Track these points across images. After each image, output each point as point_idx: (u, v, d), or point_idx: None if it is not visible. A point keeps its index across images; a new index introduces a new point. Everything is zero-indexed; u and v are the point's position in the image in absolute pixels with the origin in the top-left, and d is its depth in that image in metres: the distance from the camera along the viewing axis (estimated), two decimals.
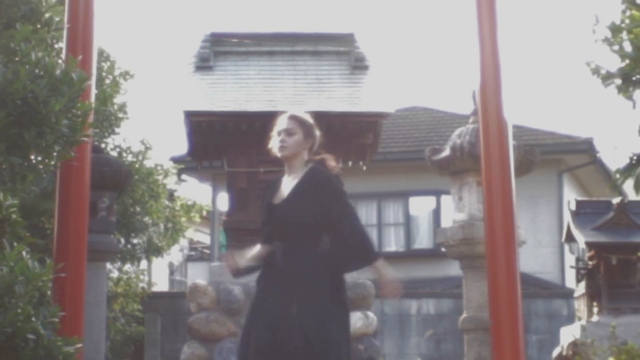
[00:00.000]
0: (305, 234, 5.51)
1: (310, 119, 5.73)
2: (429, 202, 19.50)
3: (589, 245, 10.60)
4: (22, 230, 5.15)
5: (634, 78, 5.96)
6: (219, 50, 10.97)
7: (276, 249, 5.51)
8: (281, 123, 5.65)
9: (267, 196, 5.67)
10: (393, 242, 19.66)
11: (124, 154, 13.19)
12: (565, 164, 19.52)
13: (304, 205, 5.48)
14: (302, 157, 5.65)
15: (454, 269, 12.67)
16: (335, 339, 5.36)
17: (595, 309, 10.47)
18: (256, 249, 5.62)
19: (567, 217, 11.47)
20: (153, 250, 13.80)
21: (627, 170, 6.27)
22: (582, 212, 11.01)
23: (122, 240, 13.11)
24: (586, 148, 19.21)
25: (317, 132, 5.74)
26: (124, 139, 13.38)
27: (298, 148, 5.64)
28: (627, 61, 5.92)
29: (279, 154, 5.65)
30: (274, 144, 5.64)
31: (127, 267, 14.01)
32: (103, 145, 12.13)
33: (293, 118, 5.69)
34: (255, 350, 5.34)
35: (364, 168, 11.29)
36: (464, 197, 9.54)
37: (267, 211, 5.60)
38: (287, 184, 5.61)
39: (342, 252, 5.49)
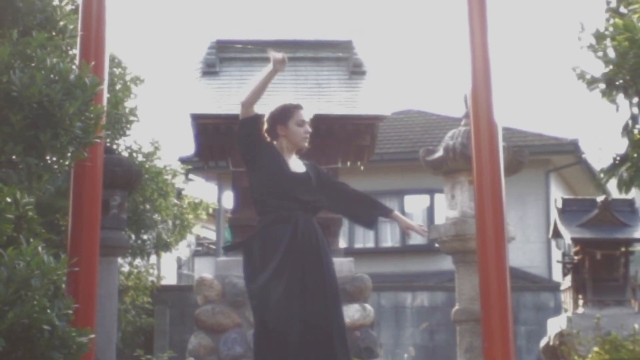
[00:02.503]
0: (317, 210, 5.58)
1: None
2: (423, 200, 19.49)
3: (575, 241, 10.60)
4: (38, 227, 5.15)
5: (617, 83, 5.95)
6: (224, 56, 10.97)
7: (292, 218, 5.40)
8: (305, 113, 5.59)
9: (273, 157, 5.53)
10: (389, 238, 19.65)
11: (135, 155, 13.18)
12: (552, 164, 19.50)
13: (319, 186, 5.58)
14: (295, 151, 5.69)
15: (447, 263, 12.67)
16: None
17: (580, 302, 10.46)
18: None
19: (554, 215, 11.46)
20: (162, 246, 13.80)
21: (611, 170, 6.26)
22: (568, 210, 11.01)
23: (133, 236, 13.10)
24: (572, 149, 19.20)
25: None
26: (134, 141, 13.38)
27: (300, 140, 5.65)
28: (611, 67, 5.92)
29: (302, 143, 5.56)
30: (301, 132, 5.54)
31: (138, 261, 14.01)
32: (115, 147, 12.11)
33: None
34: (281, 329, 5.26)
35: (362, 168, 11.29)
36: (456, 196, 9.53)
37: (285, 180, 5.46)
38: (293, 162, 5.55)
39: (367, 197, 5.79)
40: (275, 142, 5.57)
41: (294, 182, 5.45)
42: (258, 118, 5.54)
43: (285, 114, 5.55)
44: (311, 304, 5.27)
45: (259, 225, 5.47)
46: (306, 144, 5.56)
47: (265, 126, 5.59)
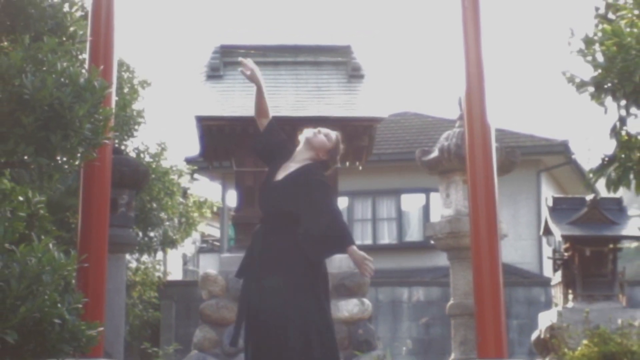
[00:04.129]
0: (287, 222, 5.34)
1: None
2: (419, 199, 19.48)
3: (565, 238, 10.59)
4: (49, 225, 5.15)
5: (605, 86, 5.95)
6: (228, 60, 10.96)
7: (259, 232, 5.41)
8: (317, 129, 5.62)
9: (274, 169, 5.56)
10: (386, 236, 19.64)
11: (142, 155, 13.17)
12: (543, 164, 19.49)
13: (293, 193, 5.34)
14: (311, 157, 5.58)
15: (442, 259, 12.68)
16: (321, 328, 5.26)
17: (570, 296, 10.45)
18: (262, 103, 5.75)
19: (545, 213, 11.45)
20: (168, 243, 13.78)
21: (600, 170, 6.25)
22: (559, 208, 11.00)
23: (140, 234, 13.09)
24: (562, 150, 19.19)
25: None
26: (141, 142, 13.37)
27: (321, 145, 5.57)
28: (600, 71, 5.91)
29: (309, 136, 5.55)
30: (308, 132, 5.58)
31: (145, 258, 14.00)
32: (123, 147, 12.11)
33: (324, 132, 5.68)
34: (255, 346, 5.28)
35: (360, 168, 11.28)
36: (451, 195, 9.52)
37: (266, 188, 5.51)
38: (286, 168, 5.54)
39: (319, 237, 5.22)
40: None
41: (269, 191, 5.48)
42: (267, 132, 5.60)
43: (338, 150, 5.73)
44: (270, 314, 5.25)
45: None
46: (314, 140, 5.59)
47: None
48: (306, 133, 5.63)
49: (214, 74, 10.81)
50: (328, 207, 5.29)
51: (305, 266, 5.28)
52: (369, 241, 19.44)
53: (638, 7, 5.95)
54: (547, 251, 13.99)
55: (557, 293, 10.87)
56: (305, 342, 5.17)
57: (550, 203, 11.16)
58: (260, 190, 5.60)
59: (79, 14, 5.69)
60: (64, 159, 5.03)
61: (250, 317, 5.32)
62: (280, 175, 5.50)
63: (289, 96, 10.53)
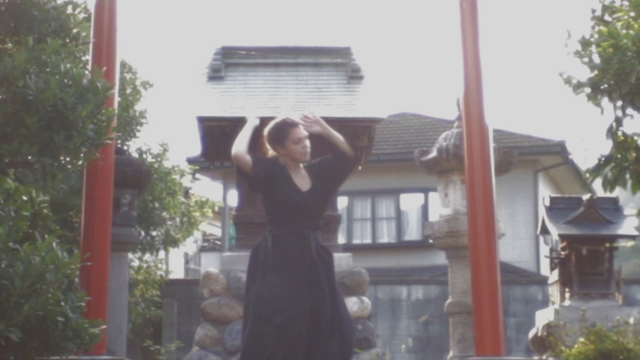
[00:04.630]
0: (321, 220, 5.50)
1: None
2: (418, 198, 19.48)
3: (562, 237, 10.59)
4: (53, 224, 5.15)
5: (602, 87, 5.95)
6: (229, 62, 10.96)
7: (298, 235, 5.36)
8: (301, 130, 5.46)
9: (281, 178, 5.44)
10: (385, 235, 19.64)
11: (144, 155, 13.18)
12: (540, 164, 19.49)
13: (324, 188, 5.48)
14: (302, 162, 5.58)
15: (440, 258, 12.69)
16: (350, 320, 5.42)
17: (567, 294, 10.46)
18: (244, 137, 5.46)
19: (542, 212, 11.45)
20: (170, 242, 13.79)
21: (596, 170, 6.26)
22: (556, 208, 11.00)
23: (142, 233, 13.10)
24: (559, 150, 19.19)
25: None
26: (144, 142, 13.38)
27: (303, 155, 5.53)
28: (596, 72, 5.91)
29: (304, 158, 5.51)
30: (299, 150, 5.44)
31: (147, 256, 14.01)
32: (125, 148, 12.10)
33: (303, 118, 5.53)
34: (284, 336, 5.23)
35: (360, 168, 11.26)
36: (449, 194, 9.53)
37: (295, 198, 5.39)
38: (300, 179, 5.46)
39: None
40: (279, 159, 5.53)
41: (304, 203, 5.39)
42: (254, 164, 5.46)
43: (281, 135, 5.47)
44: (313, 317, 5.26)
45: (270, 233, 5.45)
46: (307, 158, 5.49)
47: (267, 147, 5.56)
48: (293, 152, 5.47)
49: (216, 75, 10.80)
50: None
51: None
52: (368, 240, 19.44)
53: (634, 9, 5.95)
54: (544, 250, 14.01)
55: (554, 291, 10.87)
56: (332, 332, 5.24)
57: (548, 202, 11.17)
58: (289, 196, 5.43)
59: (82, 15, 5.69)
60: (67, 159, 5.04)
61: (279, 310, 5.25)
62: (302, 184, 5.46)
63: (289, 97, 10.52)
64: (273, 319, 5.18)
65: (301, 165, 5.54)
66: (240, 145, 5.44)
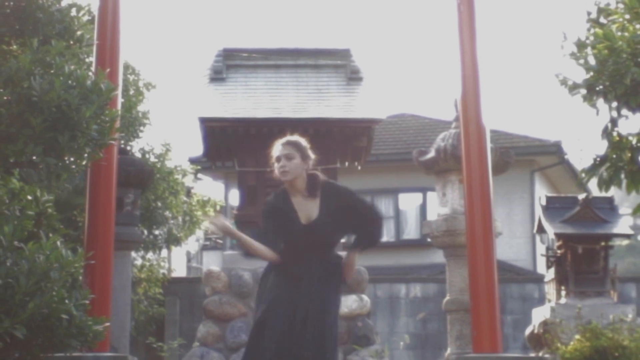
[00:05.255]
0: (331, 248, 5.50)
1: (304, 142, 5.45)
2: (416, 198, 19.48)
3: (558, 236, 10.57)
4: (57, 223, 5.15)
5: (597, 88, 5.95)
6: (230, 63, 10.96)
7: (302, 264, 5.34)
8: (277, 149, 5.39)
9: (282, 217, 5.37)
10: (385, 233, 19.58)
11: (147, 156, 13.17)
12: (537, 164, 19.49)
13: (336, 222, 5.41)
14: (303, 177, 5.47)
15: (438, 257, 12.66)
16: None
17: (563, 292, 10.44)
18: (259, 246, 5.33)
19: (538, 211, 11.42)
20: (172, 240, 13.78)
21: (591, 170, 6.26)
22: (552, 207, 10.98)
23: (145, 232, 13.09)
24: (555, 150, 19.19)
25: (312, 153, 5.56)
26: (147, 142, 13.36)
27: (298, 170, 5.40)
28: (591, 73, 5.91)
29: (282, 179, 5.46)
30: (277, 170, 5.37)
31: (150, 255, 14.00)
32: (128, 148, 12.10)
33: (289, 143, 5.40)
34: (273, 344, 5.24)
35: (359, 168, 11.28)
36: (447, 194, 9.52)
37: (294, 232, 5.35)
38: (305, 204, 5.39)
39: (373, 228, 5.59)
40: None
41: (305, 235, 5.37)
42: (268, 236, 5.45)
43: (270, 161, 5.51)
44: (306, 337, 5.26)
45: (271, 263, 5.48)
46: (285, 178, 5.43)
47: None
48: (276, 169, 5.44)
49: (217, 76, 10.80)
50: (367, 204, 5.62)
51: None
52: None
53: (629, 12, 5.95)
54: (541, 249, 14.00)
55: (550, 289, 10.85)
56: (321, 334, 5.23)
57: (544, 202, 11.15)
58: (289, 228, 5.37)
59: (85, 18, 5.69)
60: (72, 159, 5.04)
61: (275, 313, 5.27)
62: (305, 213, 5.42)
63: (289, 98, 10.52)
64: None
65: (305, 193, 5.47)
66: (258, 252, 5.39)
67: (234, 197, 18.35)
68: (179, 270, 20.28)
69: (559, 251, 10.64)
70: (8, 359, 4.66)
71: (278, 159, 5.38)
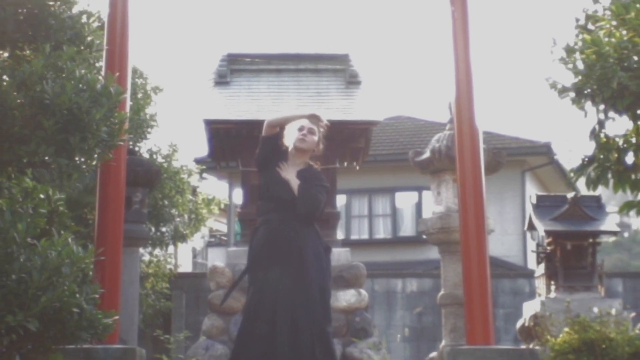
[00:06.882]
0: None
1: (326, 128, 5.58)
2: (412, 196, 19.48)
3: (548, 233, 10.58)
4: (68, 221, 5.16)
5: (585, 92, 5.95)
6: (234, 68, 10.96)
7: (284, 221, 5.37)
8: (305, 120, 5.49)
9: (278, 168, 5.48)
10: (382, 231, 19.64)
11: (155, 156, 13.17)
12: (528, 165, 19.50)
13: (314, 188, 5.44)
14: (307, 156, 5.54)
15: (433, 253, 12.66)
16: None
17: (552, 287, 10.45)
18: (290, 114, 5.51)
19: (529, 209, 11.44)
20: (179, 237, 13.79)
21: (580, 170, 6.26)
22: (542, 205, 10.99)
23: (153, 229, 13.10)
24: (545, 151, 19.20)
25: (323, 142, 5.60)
26: (154, 143, 13.38)
27: (312, 147, 5.51)
28: (580, 77, 5.91)
29: (297, 145, 5.48)
30: (294, 136, 5.47)
31: (157, 251, 14.00)
32: (137, 149, 12.11)
33: (317, 122, 5.52)
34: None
35: (357, 168, 11.28)
36: (441, 192, 9.52)
37: (280, 186, 5.42)
38: (291, 171, 5.46)
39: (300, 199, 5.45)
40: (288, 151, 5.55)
41: (278, 184, 5.43)
42: (278, 137, 5.52)
43: (287, 122, 5.55)
44: (287, 302, 5.25)
45: (258, 221, 5.52)
46: (300, 145, 5.46)
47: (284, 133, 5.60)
48: (293, 138, 5.51)
49: (222, 80, 10.80)
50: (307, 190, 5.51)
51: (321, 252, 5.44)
52: (365, 236, 19.44)
53: (615, 19, 5.95)
54: (531, 245, 13.97)
55: (540, 284, 10.86)
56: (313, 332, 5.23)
57: (534, 200, 11.16)
58: (270, 178, 5.49)
59: (96, 24, 5.68)
60: (82, 159, 5.03)
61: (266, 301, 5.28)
62: (285, 173, 5.46)
63: (291, 101, 10.52)
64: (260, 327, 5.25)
65: (301, 162, 5.51)
66: (274, 117, 5.52)
67: (238, 196, 18.35)
68: (185, 265, 20.28)
69: (548, 247, 10.65)
70: (21, 351, 4.67)
71: (302, 128, 5.43)
